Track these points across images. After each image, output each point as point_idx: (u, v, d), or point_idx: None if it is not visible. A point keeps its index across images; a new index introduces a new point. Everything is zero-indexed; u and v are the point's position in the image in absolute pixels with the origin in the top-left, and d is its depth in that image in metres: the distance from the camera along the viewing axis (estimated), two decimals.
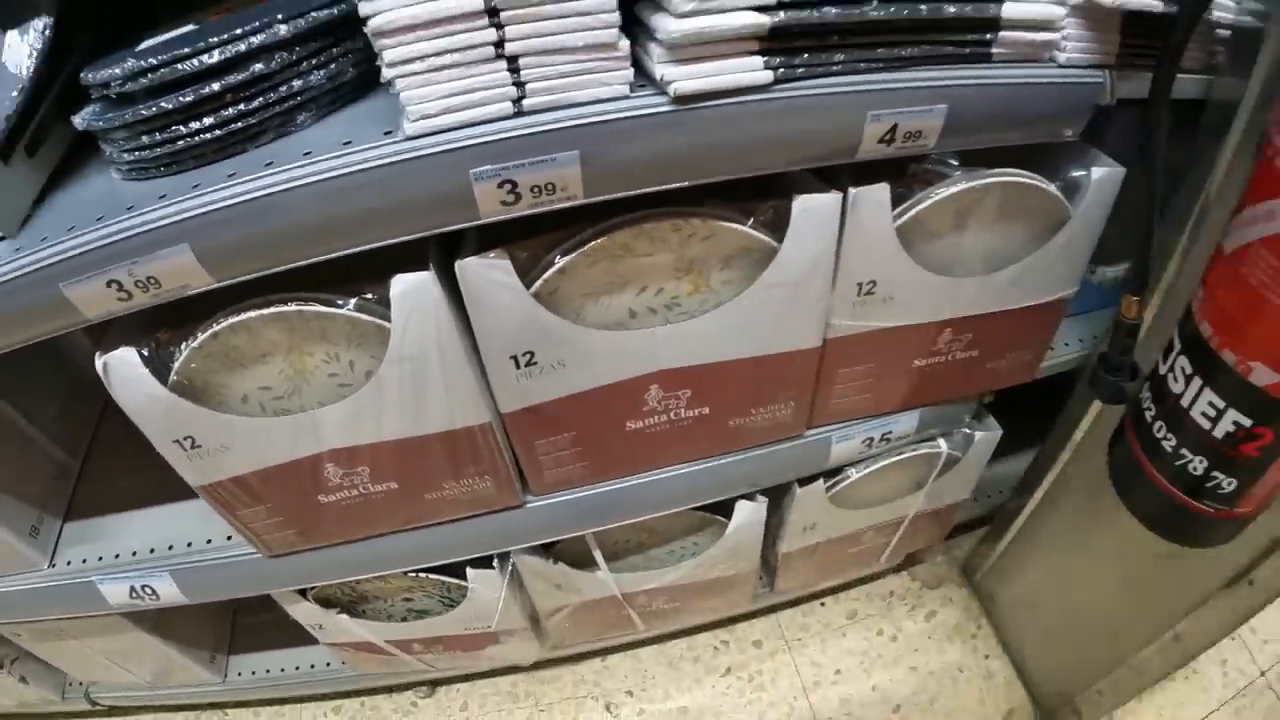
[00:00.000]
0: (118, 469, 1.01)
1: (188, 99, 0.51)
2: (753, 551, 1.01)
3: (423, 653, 1.07)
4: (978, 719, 1.25)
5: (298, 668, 1.28)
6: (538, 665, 1.34)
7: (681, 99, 0.50)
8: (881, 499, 1.03)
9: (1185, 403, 0.60)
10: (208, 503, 0.73)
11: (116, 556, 0.89)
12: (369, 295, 0.59)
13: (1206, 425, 0.59)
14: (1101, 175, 0.67)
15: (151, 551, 0.89)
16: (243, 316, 0.58)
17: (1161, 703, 1.20)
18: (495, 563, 0.90)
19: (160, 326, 0.61)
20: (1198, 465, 0.61)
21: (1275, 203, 0.50)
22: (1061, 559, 1.09)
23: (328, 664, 1.25)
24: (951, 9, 0.52)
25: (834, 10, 0.50)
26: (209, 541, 0.88)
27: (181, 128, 0.53)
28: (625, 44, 0.49)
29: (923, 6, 0.52)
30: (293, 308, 0.58)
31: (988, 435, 0.97)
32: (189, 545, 0.88)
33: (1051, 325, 0.82)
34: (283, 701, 1.38)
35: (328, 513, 0.76)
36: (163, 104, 0.51)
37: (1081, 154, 0.68)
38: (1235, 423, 0.57)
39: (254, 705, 1.38)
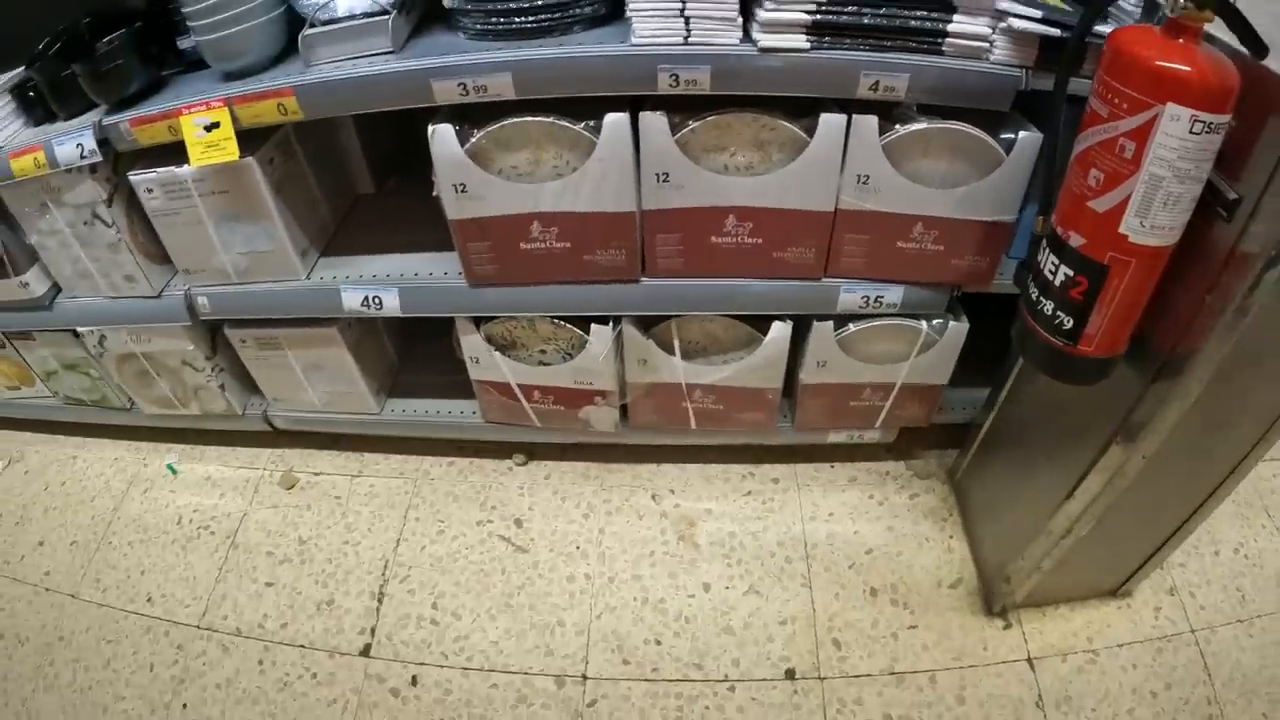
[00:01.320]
0: (359, 238, 1.75)
1: (519, 2, 1.20)
2: (780, 366, 1.64)
3: (539, 401, 1.77)
4: (932, 577, 1.81)
5: (437, 413, 2.00)
6: (608, 459, 2.02)
7: (764, 50, 1.15)
8: (875, 359, 1.64)
9: (1045, 269, 1.13)
10: (453, 233, 1.44)
11: (360, 276, 1.63)
12: (590, 123, 1.27)
13: (1052, 279, 1.12)
14: (1025, 136, 1.26)
15: (386, 276, 1.62)
16: (521, 119, 1.27)
17: (1090, 618, 1.69)
18: (610, 325, 1.58)
19: (464, 120, 1.31)
20: (1049, 308, 1.14)
21: (1083, 133, 1.01)
22: (1009, 456, 1.66)
23: (460, 412, 1.97)
24: (915, 22, 1.14)
25: (845, 17, 1.13)
26: (430, 274, 1.60)
27: (519, 20, 1.22)
28: (739, 19, 1.15)
29: (899, 19, 1.14)
30: (550, 119, 1.26)
31: (958, 326, 1.56)
32: (415, 274, 1.61)
33: (998, 241, 1.40)
34: (414, 450, 2.11)
35: (521, 258, 1.45)
36: (502, 2, 1.20)
37: (1017, 122, 1.28)
38: (1065, 274, 1.09)
39: (393, 445, 2.12)
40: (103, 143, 1.48)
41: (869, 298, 1.49)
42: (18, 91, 1.63)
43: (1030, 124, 1.28)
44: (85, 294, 1.83)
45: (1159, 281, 1.05)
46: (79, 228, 1.67)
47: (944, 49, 1.18)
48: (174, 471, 2.19)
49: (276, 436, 2.16)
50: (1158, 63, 0.88)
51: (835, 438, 1.87)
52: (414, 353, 2.13)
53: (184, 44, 1.52)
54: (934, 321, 1.56)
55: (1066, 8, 1.15)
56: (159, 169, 1.51)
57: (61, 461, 2.35)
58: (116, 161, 1.57)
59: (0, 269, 1.81)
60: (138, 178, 1.52)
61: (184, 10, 1.34)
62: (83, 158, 1.49)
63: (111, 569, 1.99)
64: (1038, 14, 1.13)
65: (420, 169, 1.43)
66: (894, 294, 1.49)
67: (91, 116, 1.51)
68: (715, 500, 1.95)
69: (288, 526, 1.99)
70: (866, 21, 1.16)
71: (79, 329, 1.90)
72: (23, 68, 1.62)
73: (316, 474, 2.13)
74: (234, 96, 1.35)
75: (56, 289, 1.88)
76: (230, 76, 1.42)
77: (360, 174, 1.90)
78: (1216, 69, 0.87)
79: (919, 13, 1.16)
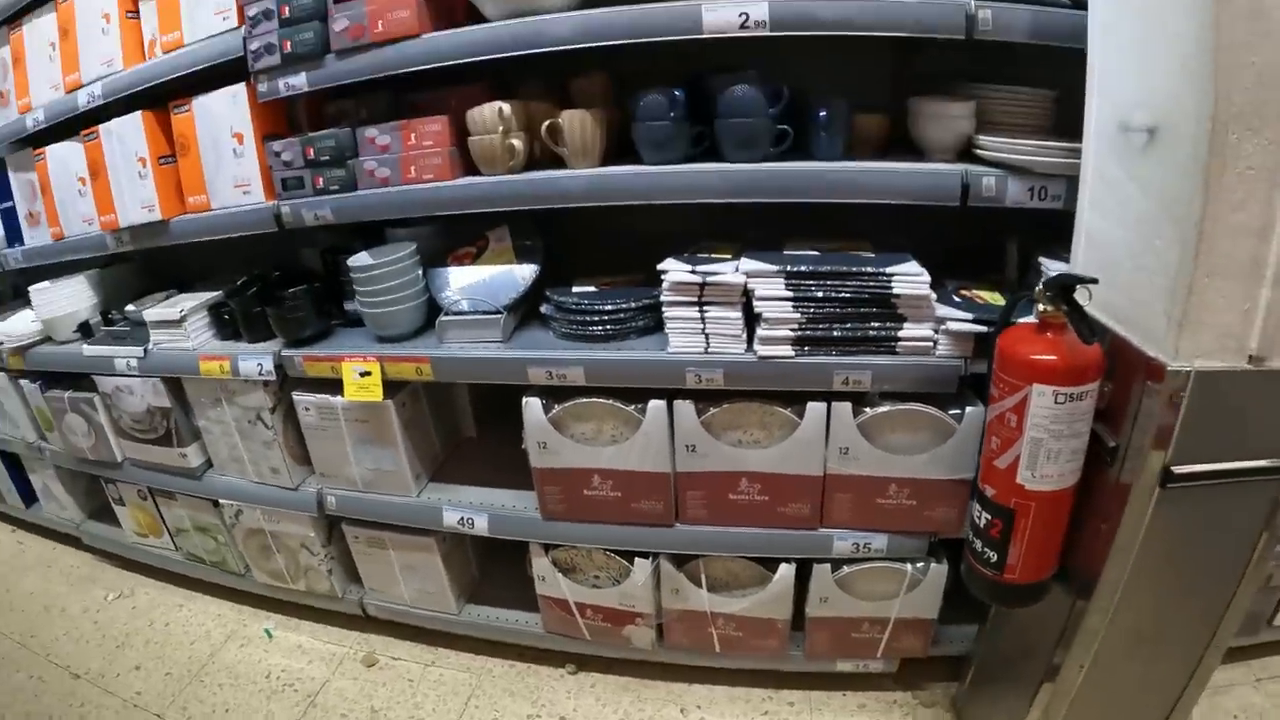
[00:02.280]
0: (461, 470, 2.32)
1: (591, 318, 1.79)
2: (787, 600, 2.04)
3: (590, 618, 2.21)
4: None
5: (506, 621, 2.47)
6: (646, 675, 2.41)
7: (762, 358, 1.71)
8: (870, 596, 2.01)
9: (973, 515, 1.55)
10: (534, 478, 1.97)
11: (458, 500, 2.17)
12: (638, 405, 1.80)
13: (978, 522, 1.53)
14: (972, 411, 1.71)
15: (479, 503, 2.15)
16: (589, 400, 1.81)
17: None
18: (649, 559, 2.04)
19: (547, 395, 1.87)
20: (979, 545, 1.54)
21: (988, 409, 1.48)
22: (996, 681, 1.97)
23: (525, 622, 2.43)
24: (873, 332, 1.65)
25: (819, 332, 1.68)
26: (513, 506, 2.13)
27: (591, 328, 1.79)
28: (744, 336, 1.70)
29: (860, 331, 1.65)
30: (609, 401, 1.80)
31: (939, 568, 1.95)
32: (501, 505, 2.14)
33: (961, 494, 1.80)
34: (482, 650, 2.57)
35: (584, 501, 1.96)
36: (580, 317, 1.79)
37: (965, 398, 1.73)
38: (985, 517, 1.50)
39: (465, 643, 2.59)
40: (278, 368, 2.16)
41: (859, 544, 1.92)
42: (213, 311, 2.37)
43: (977, 398, 1.73)
44: (233, 474, 2.47)
45: (1071, 515, 1.45)
46: (243, 424, 2.31)
47: (898, 350, 1.72)
48: (270, 635, 2.72)
49: (366, 621, 2.68)
50: (1024, 354, 1.34)
51: (843, 666, 2.21)
52: (490, 568, 2.63)
53: (349, 306, 2.21)
54: (917, 564, 1.96)
55: (1000, 301, 1.65)
56: (317, 395, 2.16)
57: (169, 605, 2.96)
58: (283, 382, 2.20)
59: (166, 439, 2.49)
60: (300, 398, 2.18)
61: (355, 288, 2.00)
62: (260, 375, 2.18)
63: (199, 702, 2.48)
64: (969, 316, 1.64)
65: (511, 423, 1.98)
66: (880, 541, 1.92)
67: (271, 345, 2.21)
68: (737, 718, 2.28)
69: (363, 697, 2.45)
70: (836, 335, 1.73)
71: (221, 500, 2.52)
72: (219, 292, 2.39)
73: (395, 658, 2.60)
74: (385, 356, 2.00)
75: (208, 464, 2.55)
76: (382, 339, 2.08)
77: (466, 421, 2.52)
78: (1071, 353, 1.31)
79: (875, 325, 1.70)
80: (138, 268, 2.97)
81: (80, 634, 2.89)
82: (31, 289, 2.79)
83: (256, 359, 2.17)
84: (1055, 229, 1.61)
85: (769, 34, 1.59)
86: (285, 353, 2.14)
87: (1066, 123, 1.57)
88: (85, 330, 2.71)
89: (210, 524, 2.66)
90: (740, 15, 1.60)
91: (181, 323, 2.30)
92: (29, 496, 3.69)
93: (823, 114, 1.76)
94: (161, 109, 2.25)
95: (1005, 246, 1.89)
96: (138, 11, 2.31)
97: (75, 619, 3.00)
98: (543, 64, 1.77)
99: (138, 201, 2.31)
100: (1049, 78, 1.73)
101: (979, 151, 1.70)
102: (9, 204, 2.88)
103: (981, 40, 1.55)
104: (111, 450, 2.73)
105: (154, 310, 2.35)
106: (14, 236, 2.93)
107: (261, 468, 2.37)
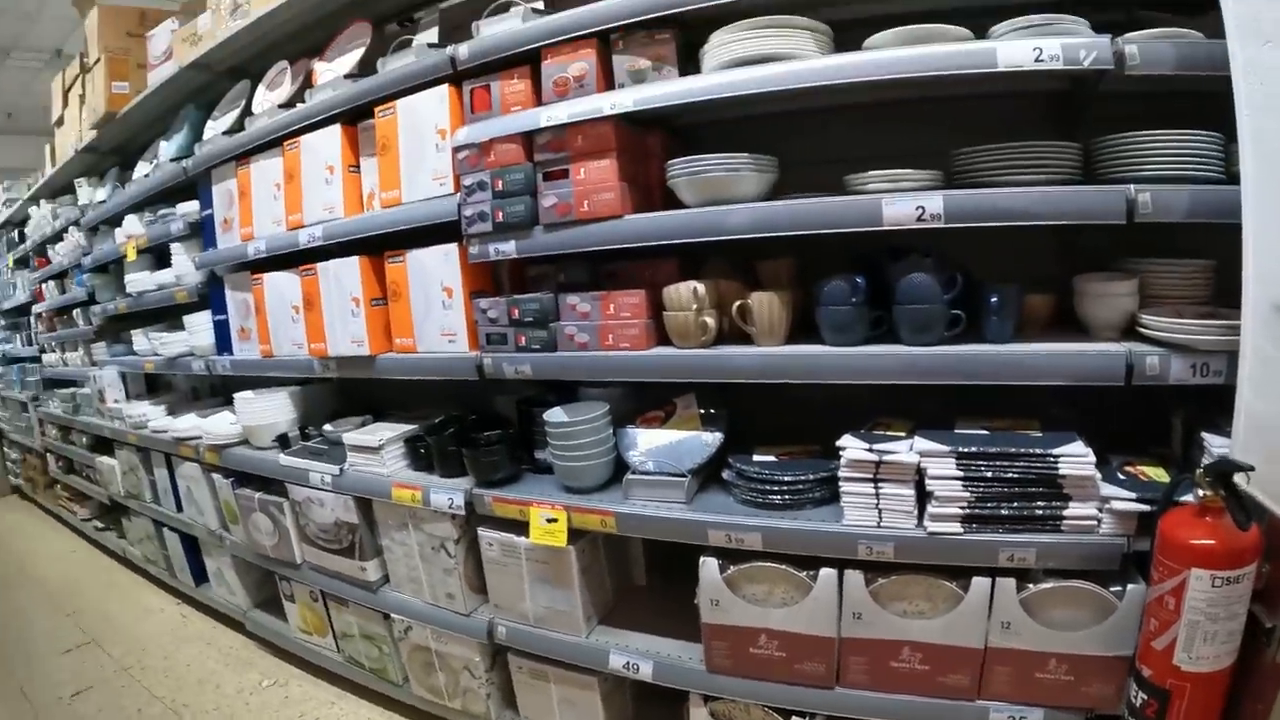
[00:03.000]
0: (630, 616, 2.59)
1: (771, 487, 2.06)
2: None
3: None
4: None
5: None
6: None
7: (931, 534, 1.91)
8: None
9: (1129, 694, 1.69)
10: (703, 632, 2.21)
11: (626, 645, 2.43)
12: (810, 572, 2.03)
13: (1134, 702, 1.64)
14: (1133, 589, 1.83)
15: (645, 650, 2.40)
16: (764, 564, 2.06)
17: None
18: (806, 719, 2.25)
19: (723, 555, 2.13)
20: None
21: (1148, 590, 1.64)
22: None
23: None
24: (1039, 511, 1.84)
25: (987, 510, 1.86)
26: (679, 655, 2.37)
27: (770, 497, 2.05)
28: (915, 512, 1.93)
29: (1026, 510, 1.84)
30: (783, 567, 2.04)
31: None
32: (667, 654, 2.39)
33: (1118, 671, 1.89)
34: None
35: (749, 659, 2.19)
36: (761, 485, 2.07)
37: (1127, 575, 1.86)
38: (1142, 698, 1.62)
39: None
40: (468, 504, 2.50)
41: (1015, 718, 2.04)
42: (409, 444, 2.74)
43: (1139, 575, 1.85)
44: (408, 592, 2.82)
45: (1227, 696, 1.54)
46: (426, 549, 2.65)
47: (1062, 528, 1.87)
48: None
49: None
50: (1183, 539, 1.48)
51: None
52: (644, 711, 2.77)
53: (538, 455, 2.54)
54: None
55: (1164, 478, 1.79)
56: (502, 533, 2.48)
57: (321, 701, 3.32)
58: (470, 516, 2.53)
59: (349, 551, 2.87)
60: (485, 534, 2.50)
61: (549, 440, 2.33)
62: (450, 508, 2.52)
63: None
64: (1133, 496, 1.77)
65: (679, 575, 2.27)
66: (1036, 715, 2.03)
67: (462, 483, 2.55)
68: None
69: None
70: (1003, 513, 1.89)
71: (393, 615, 2.87)
72: (414, 426, 2.76)
73: None
74: (572, 506, 2.31)
75: (384, 580, 2.90)
76: (569, 489, 2.40)
77: (638, 569, 2.79)
78: (1230, 537, 1.43)
79: (1041, 504, 1.86)
80: (333, 389, 3.46)
81: (232, 712, 3.29)
82: (238, 397, 3.28)
83: (448, 493, 2.52)
84: (1220, 402, 1.73)
85: (942, 226, 1.84)
86: (476, 491, 2.48)
87: (1227, 290, 1.68)
88: (283, 441, 3.16)
89: (377, 634, 3.01)
90: (917, 209, 1.84)
91: (379, 450, 2.68)
92: (200, 576, 4.22)
93: (994, 300, 1.96)
94: (376, 256, 2.69)
95: (1170, 421, 2.03)
96: (359, 167, 2.79)
97: (229, 697, 3.42)
98: (730, 242, 2.05)
99: (348, 335, 2.75)
100: (1208, 244, 1.86)
101: (1142, 330, 1.86)
102: (223, 317, 3.40)
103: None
104: (293, 552, 3.15)
105: (353, 435, 2.77)
106: (224, 346, 3.46)
107: (438, 591, 2.70)
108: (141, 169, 4.28)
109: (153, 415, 4.25)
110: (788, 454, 2.25)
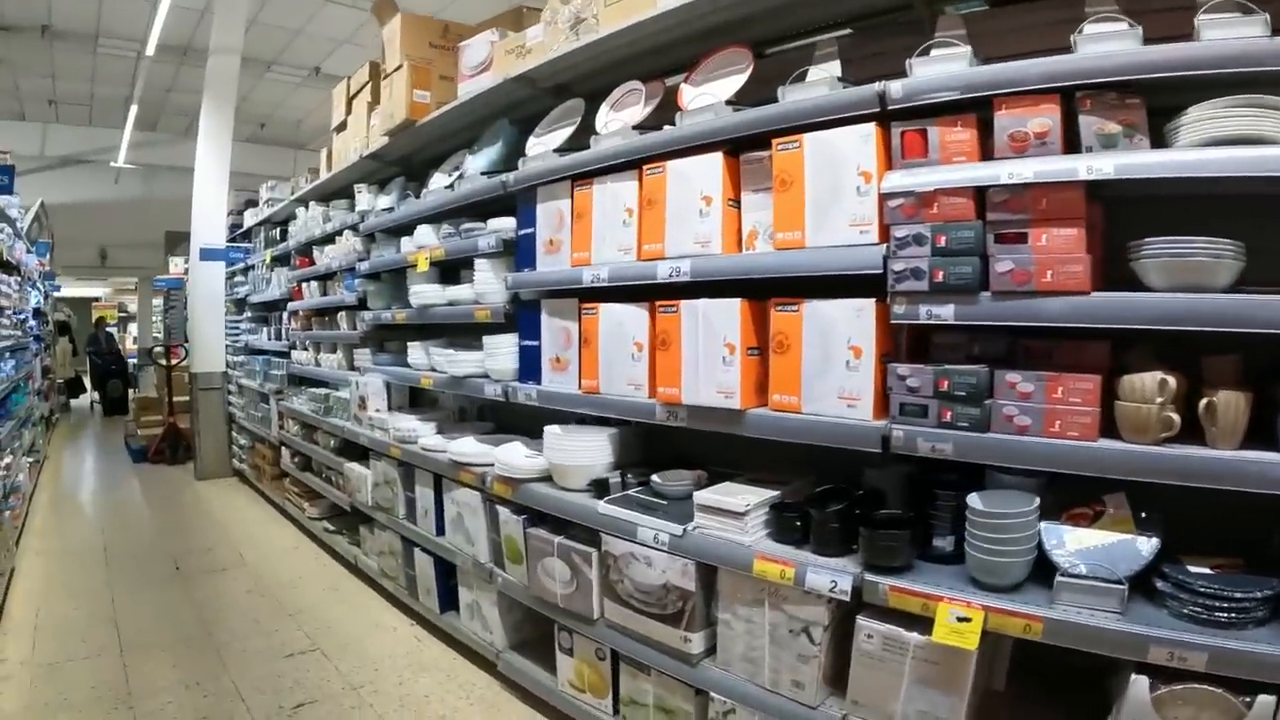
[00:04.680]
0: None
1: (1218, 603, 1.80)
2: None
3: None
4: None
5: None
6: None
7: None
8: None
9: None
10: None
11: None
12: (1245, 698, 1.70)
13: None
14: None
15: None
16: (1201, 687, 1.74)
17: None
18: None
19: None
20: None
21: None
22: None
23: None
24: None
25: None
26: None
27: (1215, 614, 1.81)
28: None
29: None
30: (1219, 691, 1.72)
31: None
32: None
33: None
34: None
35: None
36: (1206, 600, 1.82)
37: None
38: None
39: None
40: (855, 590, 2.23)
41: None
42: (774, 510, 2.52)
43: None
44: (738, 673, 2.57)
45: None
46: (780, 631, 2.43)
47: None
48: None
49: None
50: None
51: None
52: None
53: (938, 542, 2.26)
54: None
55: None
56: (887, 625, 2.20)
57: None
58: (852, 603, 2.27)
59: (674, 619, 2.66)
60: (867, 624, 2.24)
61: (971, 531, 2.07)
62: (830, 592, 2.26)
63: None
64: None
65: (1039, 682, 2.11)
66: None
67: (845, 564, 2.30)
68: None
69: None
70: None
71: (713, 694, 2.63)
72: (775, 492, 2.55)
73: None
74: (991, 607, 2.02)
75: (707, 654, 2.66)
76: (979, 585, 2.10)
77: (999, 675, 2.45)
78: None
79: None
80: (637, 435, 3.26)
81: None
82: (550, 432, 3.14)
83: (831, 575, 2.27)
84: None
85: None
86: (869, 578, 2.22)
87: None
88: (600, 487, 2.99)
89: (680, 709, 2.78)
90: None
91: (744, 516, 2.47)
92: (448, 603, 4.13)
93: None
94: (757, 301, 2.50)
95: None
96: (738, 202, 2.60)
97: None
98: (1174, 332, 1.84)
99: (713, 384, 2.55)
100: None
101: None
102: (534, 343, 3.28)
103: None
104: (591, 606, 2.98)
105: (709, 494, 2.57)
106: (530, 373, 3.32)
107: (782, 677, 2.45)
108: (438, 180, 4.29)
109: (422, 432, 4.21)
110: (1218, 565, 2.00)
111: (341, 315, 5.46)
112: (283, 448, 6.69)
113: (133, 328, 23.88)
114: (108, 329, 17.28)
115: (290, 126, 14.50)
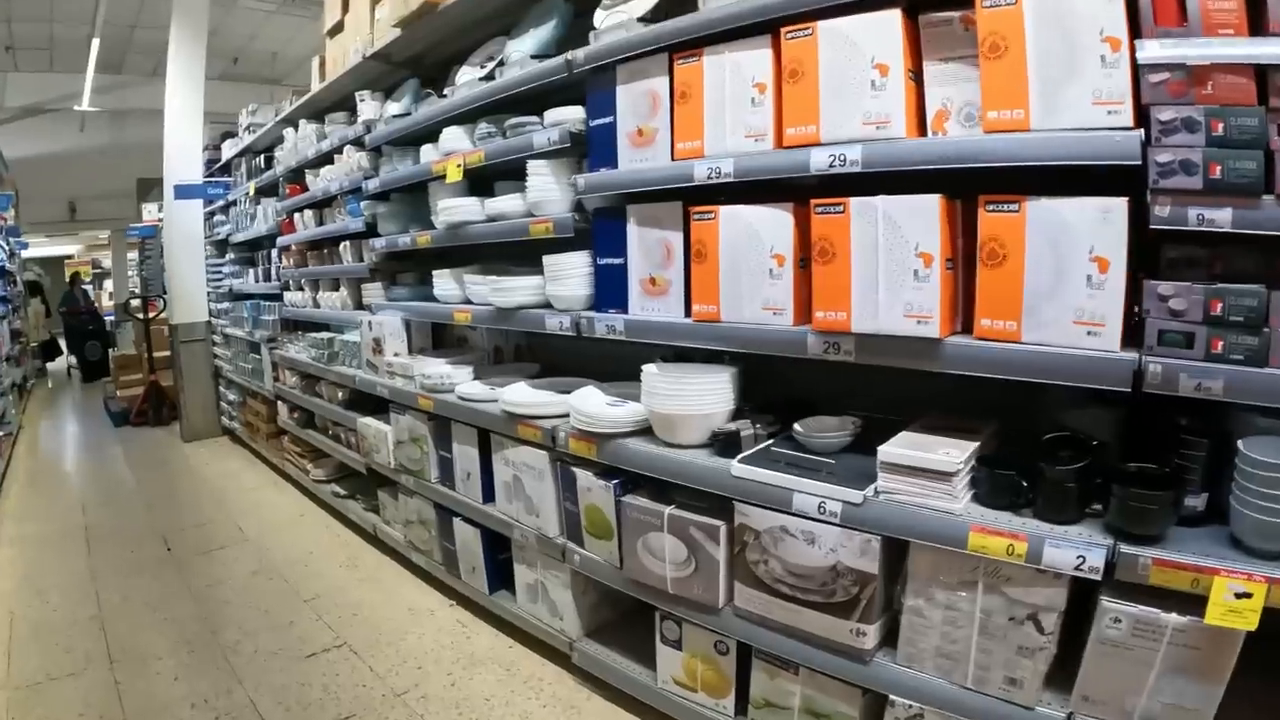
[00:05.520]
0: None
1: None
2: None
3: None
4: None
5: None
6: None
7: None
8: None
9: None
10: None
11: None
12: None
13: None
14: None
15: None
16: None
17: None
18: None
19: None
20: None
21: None
22: None
23: None
24: None
25: None
26: None
27: None
28: None
29: None
30: None
31: None
32: None
33: None
34: None
35: None
36: None
37: None
38: None
39: None
40: (1108, 565, 1.71)
41: None
42: (983, 467, 1.95)
43: None
44: (924, 669, 2.04)
45: None
46: (996, 619, 1.89)
47: None
48: None
49: None
50: None
51: None
52: None
53: (1189, 501, 1.79)
54: None
55: None
56: (1140, 606, 1.70)
57: None
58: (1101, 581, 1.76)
59: (843, 609, 2.11)
60: (1114, 606, 1.73)
61: (1245, 486, 1.64)
62: (1076, 569, 1.74)
63: None
64: None
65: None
66: None
67: (1093, 535, 1.78)
68: None
69: None
70: None
71: (894, 697, 2.08)
72: (973, 444, 1.99)
73: None
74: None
75: (880, 649, 2.13)
76: (1254, 553, 1.65)
77: None
78: None
79: None
80: (747, 374, 2.64)
81: None
82: (649, 371, 2.54)
83: (1076, 549, 1.73)
84: None
85: None
86: (1126, 549, 1.70)
87: None
88: (726, 442, 2.38)
89: (840, 713, 2.25)
90: None
91: (952, 476, 1.90)
92: (499, 582, 3.55)
93: None
94: (955, 200, 1.95)
95: None
96: (919, 74, 2.03)
97: None
98: None
99: (899, 307, 1.97)
100: None
101: None
102: (617, 260, 2.67)
103: None
104: (715, 592, 2.42)
105: (900, 450, 1.98)
106: (610, 299, 2.71)
107: (991, 674, 1.93)
108: (467, 74, 3.60)
109: (457, 378, 3.59)
110: None
111: (345, 246, 4.78)
112: (279, 402, 6.05)
113: (109, 284, 23.14)
114: (83, 285, 16.56)
115: (265, 60, 13.75)
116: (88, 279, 19.84)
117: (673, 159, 2.47)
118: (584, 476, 2.79)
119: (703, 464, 2.39)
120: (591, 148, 2.77)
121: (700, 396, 2.44)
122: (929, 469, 1.93)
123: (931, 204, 1.90)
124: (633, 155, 2.61)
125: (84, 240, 24.92)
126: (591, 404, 2.75)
